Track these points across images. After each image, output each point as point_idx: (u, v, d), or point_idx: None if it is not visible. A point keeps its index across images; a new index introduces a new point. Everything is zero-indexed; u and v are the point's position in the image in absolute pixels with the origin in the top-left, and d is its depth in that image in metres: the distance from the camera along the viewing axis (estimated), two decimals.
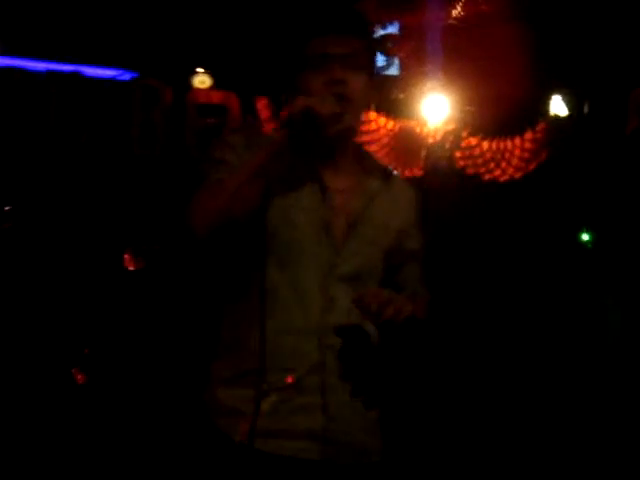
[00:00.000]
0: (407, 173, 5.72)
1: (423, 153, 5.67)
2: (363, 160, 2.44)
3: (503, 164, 5.68)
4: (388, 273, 2.44)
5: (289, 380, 2.25)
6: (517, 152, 5.69)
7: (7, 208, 5.15)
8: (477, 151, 5.69)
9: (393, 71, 6.16)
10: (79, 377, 5.12)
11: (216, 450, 2.26)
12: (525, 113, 5.72)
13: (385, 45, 5.65)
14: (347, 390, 2.27)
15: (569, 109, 5.76)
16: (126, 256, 5.32)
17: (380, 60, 5.98)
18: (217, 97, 5.46)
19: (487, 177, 5.72)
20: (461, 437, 5.44)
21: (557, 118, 5.74)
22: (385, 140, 5.69)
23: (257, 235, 2.24)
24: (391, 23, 5.73)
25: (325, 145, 2.29)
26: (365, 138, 5.65)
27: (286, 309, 2.26)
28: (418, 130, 5.67)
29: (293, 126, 2.15)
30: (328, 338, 2.25)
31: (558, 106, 5.75)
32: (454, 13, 5.60)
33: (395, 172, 5.71)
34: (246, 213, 2.17)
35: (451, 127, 5.65)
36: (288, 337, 2.25)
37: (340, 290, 2.29)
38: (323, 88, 2.23)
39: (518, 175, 5.70)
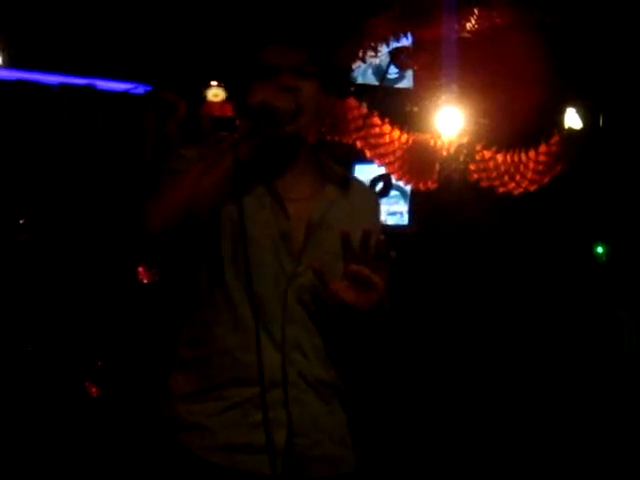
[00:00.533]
0: (421, 186, 5.71)
1: (437, 166, 5.66)
2: (322, 168, 2.42)
3: (517, 177, 5.66)
4: None
5: (250, 393, 2.21)
6: (531, 165, 5.67)
7: (22, 221, 5.16)
8: (491, 164, 5.68)
9: (407, 84, 6.17)
10: (93, 390, 5.11)
11: (178, 465, 2.23)
12: (539, 126, 5.71)
13: (399, 57, 5.65)
14: (311, 402, 2.27)
15: (583, 122, 5.74)
16: (140, 269, 5.32)
17: (392, 72, 6.00)
18: (231, 110, 5.45)
19: (501, 190, 5.70)
20: (453, 445, 5.43)
21: (571, 131, 5.72)
22: (399, 153, 5.69)
23: (213, 249, 2.24)
24: (405, 36, 5.73)
25: (280, 147, 2.28)
26: (379, 151, 5.65)
27: (247, 324, 2.23)
28: (432, 143, 5.66)
29: (249, 118, 2.16)
30: (290, 352, 2.25)
31: (572, 119, 5.74)
32: (468, 26, 5.58)
33: (405, 187, 5.75)
34: (200, 216, 2.17)
35: (465, 140, 5.64)
36: (250, 351, 2.20)
37: (299, 303, 2.27)
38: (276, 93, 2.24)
39: (533, 188, 5.68)
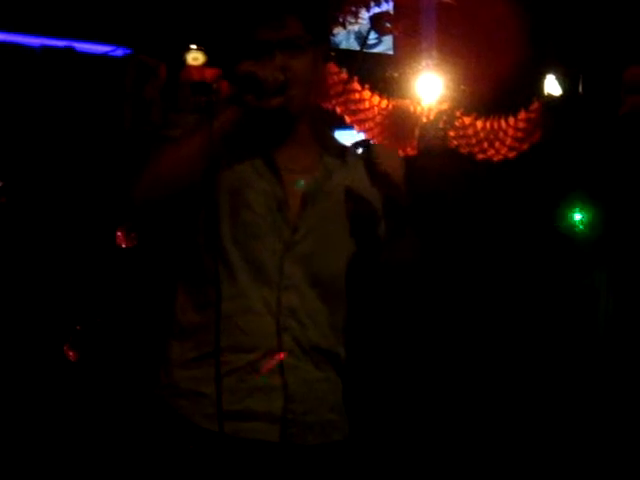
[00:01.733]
0: (400, 152, 5.70)
1: (416, 132, 5.65)
2: (322, 140, 2.44)
3: (497, 144, 5.66)
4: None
5: (247, 360, 2.25)
6: (511, 132, 5.66)
7: (0, 184, 5.15)
8: (471, 130, 5.67)
9: (387, 49, 6.16)
10: (71, 354, 5.12)
11: (175, 432, 2.26)
12: (519, 92, 5.70)
13: (379, 23, 5.62)
14: (306, 369, 2.29)
15: (563, 88, 5.74)
16: (118, 233, 5.31)
17: (372, 37, 5.98)
18: (210, 74, 5.43)
19: (480, 157, 5.70)
20: (438, 421, 5.47)
21: (551, 97, 5.72)
22: (378, 119, 5.67)
23: (210, 214, 2.25)
24: (386, 1, 5.71)
25: (273, 118, 2.29)
26: (359, 116, 5.64)
27: (243, 289, 2.27)
28: (412, 109, 5.64)
29: (235, 85, 2.18)
30: (286, 319, 2.28)
31: (552, 85, 5.74)
32: None
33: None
34: (187, 186, 2.19)
35: (445, 106, 5.63)
36: (245, 317, 2.26)
37: (298, 270, 2.31)
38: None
39: (512, 155, 5.68)
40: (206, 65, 5.48)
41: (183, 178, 2.17)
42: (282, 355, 2.26)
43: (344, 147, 2.52)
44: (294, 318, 2.29)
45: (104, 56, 5.47)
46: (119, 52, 5.49)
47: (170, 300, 2.36)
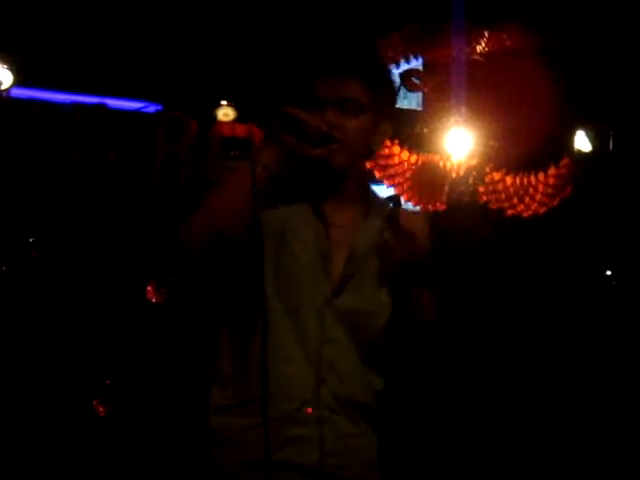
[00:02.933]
0: (430, 207, 5.71)
1: (446, 188, 5.66)
2: (368, 197, 2.43)
3: (527, 199, 5.66)
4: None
5: (284, 411, 2.23)
6: (541, 187, 5.67)
7: (32, 239, 5.17)
8: (500, 186, 5.68)
9: (417, 105, 6.18)
10: (100, 409, 5.11)
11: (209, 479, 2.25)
12: (549, 148, 5.71)
13: (409, 79, 5.66)
14: (342, 423, 2.28)
15: (593, 145, 5.74)
16: (149, 288, 5.32)
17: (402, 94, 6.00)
18: (241, 130, 5.46)
19: (510, 212, 5.70)
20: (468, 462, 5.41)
21: (581, 153, 5.73)
22: (408, 174, 5.69)
23: (255, 262, 2.24)
24: (415, 57, 5.74)
25: (313, 170, 2.28)
26: (388, 172, 5.66)
27: (284, 340, 2.26)
28: (441, 164, 5.66)
29: (278, 123, 2.17)
30: (324, 372, 2.26)
31: (582, 141, 5.74)
32: (478, 48, 5.60)
33: (414, 208, 5.75)
34: (233, 230, 2.18)
35: (474, 162, 5.64)
36: (285, 367, 2.25)
37: (338, 324, 2.29)
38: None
39: (542, 210, 5.68)
40: (237, 121, 5.51)
41: (229, 221, 2.17)
42: (319, 408, 2.25)
43: (392, 209, 2.49)
44: (333, 371, 2.28)
45: (136, 112, 5.52)
46: (151, 108, 5.53)
47: (212, 348, 2.35)
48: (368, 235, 2.36)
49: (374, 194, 2.48)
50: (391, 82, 2.45)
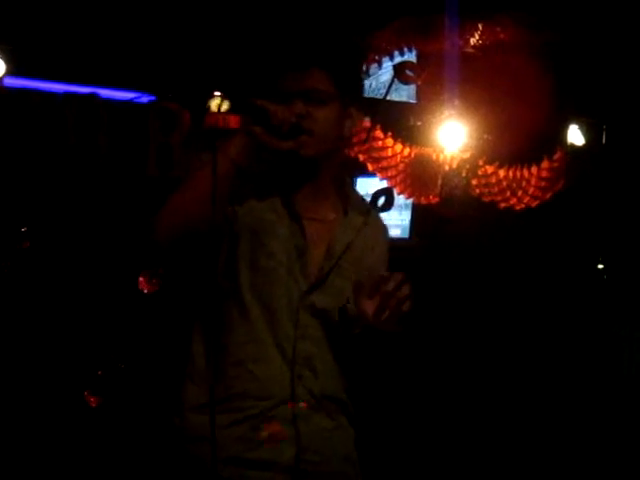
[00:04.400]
0: (423, 200, 5.71)
1: (439, 180, 5.66)
2: (346, 193, 2.41)
3: (519, 192, 5.67)
4: None
5: (259, 408, 2.22)
6: (533, 181, 5.68)
7: (24, 228, 5.16)
8: (493, 179, 5.69)
9: (410, 98, 6.18)
10: (92, 399, 5.11)
11: (186, 475, 2.24)
12: (542, 142, 5.71)
13: (402, 72, 5.65)
14: (319, 419, 2.28)
15: (586, 138, 5.75)
16: (141, 279, 5.32)
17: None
18: (234, 121, 5.45)
19: (503, 205, 5.71)
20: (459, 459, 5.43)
21: (574, 147, 5.74)
22: (401, 167, 5.69)
23: (230, 258, 2.25)
24: (409, 50, 5.74)
25: (284, 162, 2.28)
26: (381, 164, 5.66)
27: (258, 336, 2.24)
28: (434, 157, 5.67)
29: (247, 115, 2.17)
30: (300, 368, 2.26)
31: (575, 135, 5.75)
32: (472, 41, 5.60)
33: (407, 201, 5.74)
34: (200, 224, 2.15)
35: (467, 155, 5.64)
36: (261, 365, 2.24)
37: (312, 321, 2.28)
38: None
39: (534, 204, 5.69)
40: (230, 112, 5.50)
41: (198, 213, 2.15)
42: (295, 404, 2.24)
43: (368, 205, 2.49)
44: (308, 367, 2.27)
45: (129, 103, 5.51)
46: (143, 99, 5.52)
47: (188, 344, 2.35)
48: (347, 232, 2.36)
49: (353, 190, 2.47)
50: (355, 68, 2.47)
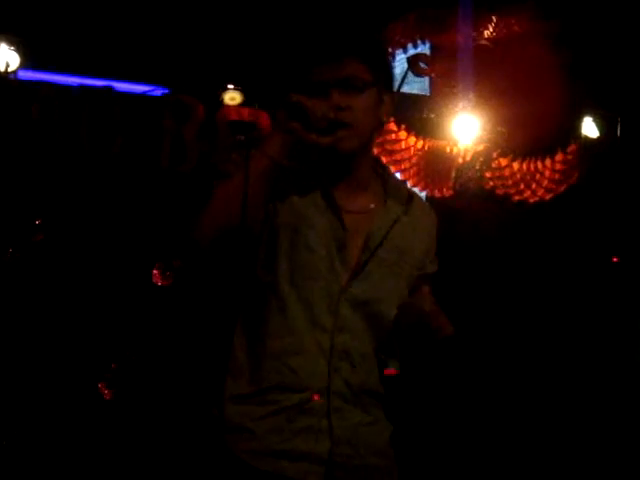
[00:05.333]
0: (437, 193, 5.70)
1: (453, 173, 5.65)
2: (384, 182, 2.40)
3: (533, 185, 5.65)
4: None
5: (295, 400, 2.23)
6: (547, 173, 5.66)
7: (38, 221, 5.18)
8: (507, 172, 5.67)
9: (423, 90, 6.17)
10: (106, 392, 5.13)
11: (221, 466, 2.24)
12: (556, 134, 5.70)
13: (416, 64, 5.64)
14: (353, 412, 2.28)
15: (600, 131, 5.73)
16: (155, 271, 5.33)
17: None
18: (247, 114, 5.46)
19: (517, 198, 5.70)
20: (481, 459, 5.42)
21: (588, 140, 5.72)
22: (414, 160, 5.68)
23: (269, 252, 2.25)
24: (422, 42, 5.73)
25: (323, 157, 2.28)
26: (395, 157, 5.65)
27: (295, 329, 2.25)
28: (448, 150, 5.65)
29: (284, 113, 2.16)
30: (337, 361, 2.26)
31: (589, 128, 5.73)
32: (486, 33, 5.59)
33: (420, 194, 5.74)
34: (244, 221, 2.15)
35: (481, 147, 5.63)
36: (298, 357, 2.24)
37: (352, 312, 2.28)
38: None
39: (548, 197, 5.67)
40: (243, 104, 5.50)
41: (238, 212, 2.16)
42: (331, 397, 2.24)
43: (410, 193, 2.46)
44: (346, 360, 2.27)
45: (143, 96, 5.51)
46: (157, 92, 5.53)
47: (228, 337, 2.35)
48: (385, 222, 2.35)
49: (392, 178, 2.46)
50: (385, 55, 2.45)
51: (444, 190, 5.70)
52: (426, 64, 5.64)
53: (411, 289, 2.41)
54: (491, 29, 5.59)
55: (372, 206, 2.35)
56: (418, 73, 5.73)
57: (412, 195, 2.44)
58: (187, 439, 4.35)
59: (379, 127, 2.35)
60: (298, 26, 5.14)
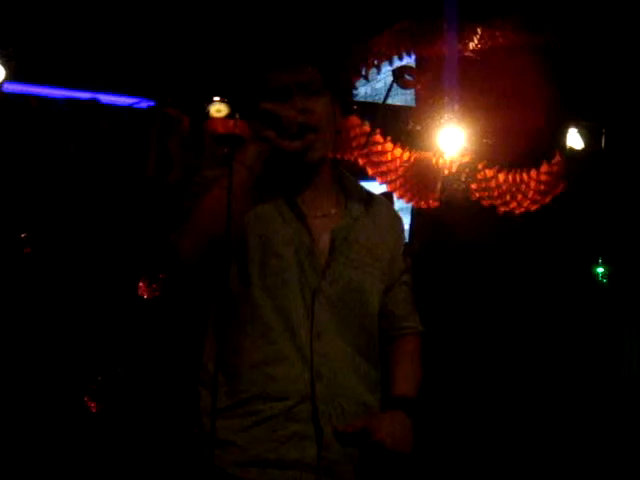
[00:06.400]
0: (422, 204, 5.71)
1: (439, 185, 5.66)
2: (343, 185, 2.45)
3: (519, 196, 5.66)
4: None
5: (278, 409, 2.24)
6: (533, 185, 5.67)
7: (24, 235, 5.16)
8: (493, 183, 5.68)
9: (409, 102, 6.18)
10: (92, 405, 5.11)
11: None
12: (541, 146, 5.71)
13: (402, 76, 5.65)
14: (339, 417, 2.28)
15: (585, 142, 5.75)
16: (140, 284, 5.32)
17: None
18: (234, 126, 5.44)
19: (503, 209, 5.70)
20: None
21: (573, 151, 5.73)
22: (400, 171, 5.69)
23: (241, 262, 2.27)
24: (408, 54, 5.74)
25: (292, 164, 2.32)
26: (381, 169, 5.65)
27: (274, 337, 2.27)
28: (434, 162, 5.66)
29: (256, 124, 2.21)
30: (318, 366, 2.27)
31: (574, 139, 5.75)
32: (471, 45, 5.60)
33: (406, 205, 5.74)
34: (228, 235, 2.15)
35: (467, 159, 5.64)
36: (278, 365, 2.26)
37: (327, 316, 2.30)
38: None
39: (534, 208, 5.68)
40: (229, 117, 5.49)
41: (222, 226, 2.16)
42: (316, 403, 2.26)
43: (369, 193, 2.53)
44: (327, 365, 2.29)
45: (128, 108, 5.51)
46: (143, 104, 5.52)
47: (199, 349, 2.35)
48: (347, 221, 2.38)
49: (351, 181, 2.49)
50: (341, 66, 2.51)
51: (430, 201, 5.70)
52: (411, 76, 5.65)
53: (389, 286, 2.46)
54: (476, 41, 5.60)
55: (333, 210, 2.39)
56: (403, 85, 5.73)
57: (371, 195, 2.50)
58: (171, 454, 4.34)
59: (336, 135, 2.37)
60: (264, 32, 5.15)
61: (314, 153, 2.29)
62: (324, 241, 2.35)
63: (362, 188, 2.52)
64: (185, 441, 2.33)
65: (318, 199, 2.38)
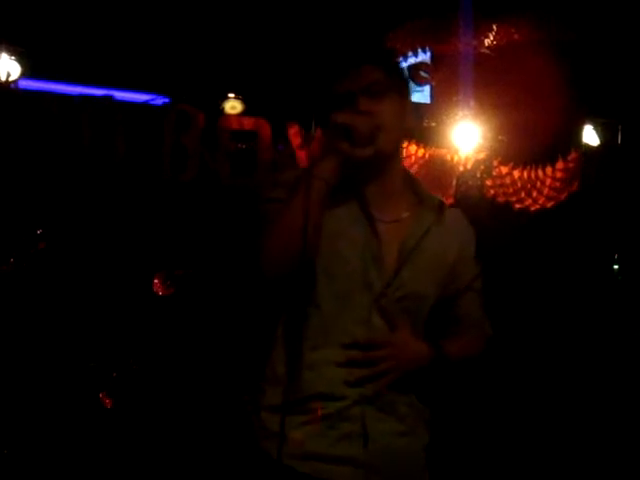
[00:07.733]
0: None
1: (454, 181, 5.65)
2: (415, 191, 2.43)
3: (534, 193, 5.65)
4: (443, 306, 2.47)
5: (334, 408, 2.29)
6: (548, 181, 5.66)
7: (39, 230, 5.18)
8: (508, 180, 5.67)
9: (425, 99, 6.17)
10: (107, 401, 5.12)
11: (262, 473, 2.30)
12: (557, 142, 5.70)
13: (417, 72, 5.65)
14: (386, 423, 2.32)
15: (601, 139, 5.73)
16: (155, 281, 5.33)
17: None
18: (248, 123, 5.46)
19: (518, 206, 5.69)
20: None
21: (589, 147, 5.72)
22: (416, 168, 5.68)
23: (308, 270, 2.28)
24: (423, 51, 5.74)
25: (364, 170, 2.31)
26: None
27: (333, 341, 2.30)
28: (449, 158, 5.65)
29: (329, 137, 2.22)
30: (369, 369, 2.30)
31: (590, 135, 5.74)
32: (486, 42, 5.60)
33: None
34: (306, 248, 2.19)
35: (482, 155, 5.63)
36: (334, 368, 2.30)
37: (383, 323, 2.32)
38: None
39: (549, 204, 5.67)
40: (244, 113, 5.50)
41: (301, 239, 2.18)
42: (366, 406, 2.30)
43: (441, 202, 2.49)
44: None
45: (143, 105, 5.52)
46: (158, 101, 5.53)
47: (265, 349, 2.39)
48: (418, 229, 2.37)
49: (421, 186, 2.47)
50: (397, 62, 2.57)
51: (445, 198, 5.69)
52: (427, 73, 5.64)
53: (448, 298, 2.47)
54: (492, 38, 5.59)
55: (405, 215, 2.38)
56: (419, 82, 5.72)
57: (443, 204, 2.46)
58: (215, 447, 4.37)
59: (406, 133, 2.39)
60: (307, 39, 5.16)
61: (382, 151, 2.28)
62: (392, 247, 2.34)
63: (434, 196, 2.48)
64: (238, 434, 2.39)
65: (388, 203, 2.37)
